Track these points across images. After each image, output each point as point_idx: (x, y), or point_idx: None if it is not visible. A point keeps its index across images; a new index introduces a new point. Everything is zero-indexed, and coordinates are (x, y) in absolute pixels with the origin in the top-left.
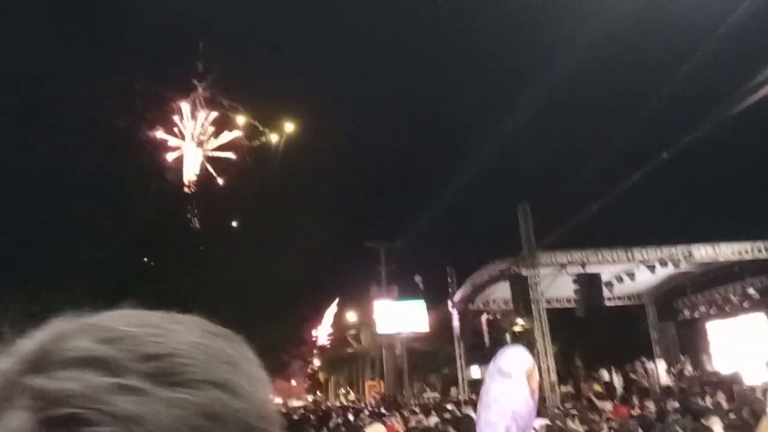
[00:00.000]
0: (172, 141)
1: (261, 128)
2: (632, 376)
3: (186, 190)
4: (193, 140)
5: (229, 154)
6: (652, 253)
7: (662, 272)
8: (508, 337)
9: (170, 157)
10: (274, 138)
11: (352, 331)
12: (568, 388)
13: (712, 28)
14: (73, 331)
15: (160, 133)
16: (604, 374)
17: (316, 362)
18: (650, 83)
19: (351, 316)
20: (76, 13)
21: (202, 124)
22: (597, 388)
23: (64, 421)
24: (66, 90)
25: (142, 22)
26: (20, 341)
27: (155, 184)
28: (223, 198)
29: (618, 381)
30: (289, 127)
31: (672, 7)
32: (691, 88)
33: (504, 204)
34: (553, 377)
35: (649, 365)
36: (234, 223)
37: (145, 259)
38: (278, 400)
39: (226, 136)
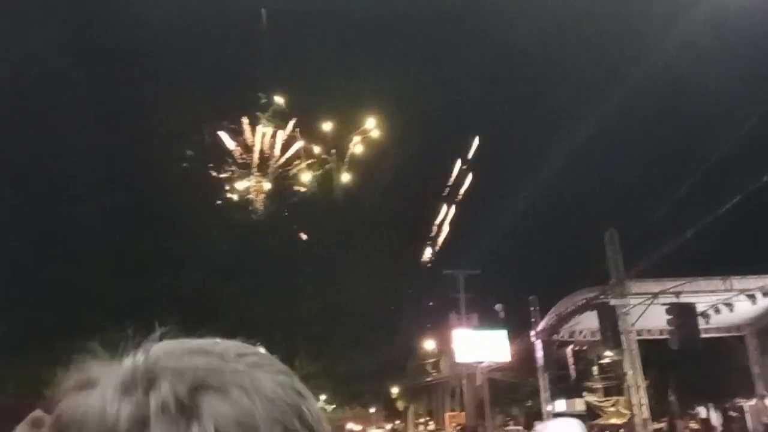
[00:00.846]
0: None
1: (328, 156)
2: (732, 413)
3: (259, 218)
4: (268, 172)
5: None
6: (752, 282)
7: (764, 302)
8: (595, 369)
9: (241, 186)
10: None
11: (432, 359)
12: (661, 426)
13: None
14: (173, 342)
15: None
16: (701, 411)
17: (395, 390)
18: (750, 98)
19: (429, 344)
20: (150, 51)
21: (272, 150)
22: (693, 425)
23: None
24: (146, 128)
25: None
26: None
27: (231, 214)
28: (296, 226)
29: (716, 418)
30: (362, 149)
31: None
32: None
33: (589, 230)
34: (646, 413)
35: (750, 402)
36: (307, 242)
37: (223, 287)
38: (357, 428)
39: (292, 155)
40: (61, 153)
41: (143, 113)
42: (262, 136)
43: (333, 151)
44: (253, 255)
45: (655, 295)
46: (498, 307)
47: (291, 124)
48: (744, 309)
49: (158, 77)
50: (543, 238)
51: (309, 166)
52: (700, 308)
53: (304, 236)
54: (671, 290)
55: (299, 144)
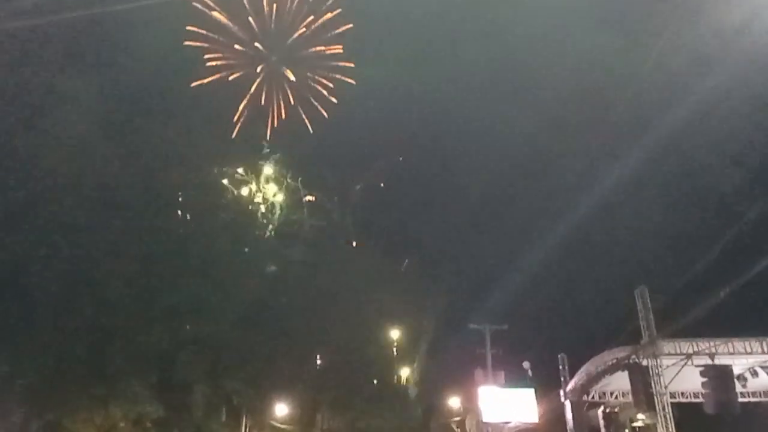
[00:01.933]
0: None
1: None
2: None
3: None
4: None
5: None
6: None
7: None
8: None
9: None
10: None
11: (457, 418)
12: None
13: None
14: None
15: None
16: None
17: None
18: None
19: (454, 402)
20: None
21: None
22: None
23: None
24: (179, 176)
25: None
26: None
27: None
28: (320, 280)
29: None
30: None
31: None
32: None
33: (620, 287)
34: None
35: None
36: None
37: (249, 336)
38: None
39: None
40: (96, 200)
41: (176, 161)
42: None
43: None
44: (279, 305)
45: (689, 356)
46: (526, 364)
47: None
48: None
49: (188, 127)
50: (572, 294)
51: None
52: (736, 371)
53: (330, 285)
54: (705, 351)
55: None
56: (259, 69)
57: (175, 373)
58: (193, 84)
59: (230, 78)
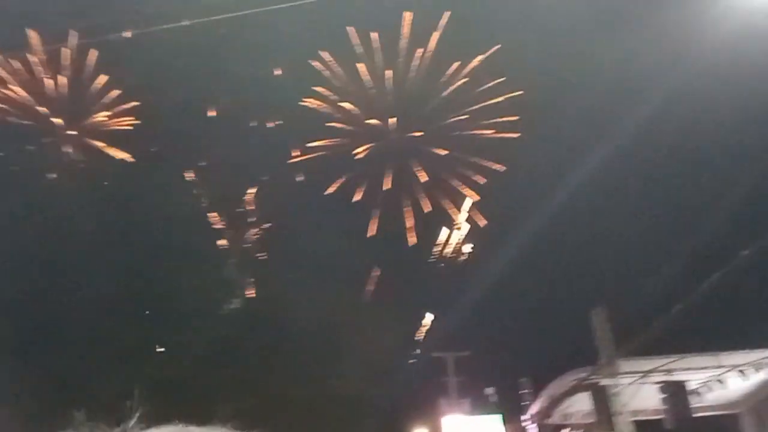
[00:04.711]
0: None
1: None
2: None
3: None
4: None
5: None
6: (742, 357)
7: (756, 378)
8: None
9: None
10: None
11: None
12: None
13: None
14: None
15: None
16: None
17: None
18: (734, 175)
19: None
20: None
21: None
22: None
23: None
24: (140, 215)
25: None
26: None
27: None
28: (283, 311)
29: None
30: None
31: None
32: None
33: (578, 308)
34: None
35: None
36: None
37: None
38: None
39: None
40: (51, 240)
41: (139, 204)
42: None
43: None
44: (240, 344)
45: (646, 374)
46: (489, 390)
47: None
48: (737, 386)
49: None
50: (531, 316)
51: None
52: (692, 386)
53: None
54: (662, 368)
55: None
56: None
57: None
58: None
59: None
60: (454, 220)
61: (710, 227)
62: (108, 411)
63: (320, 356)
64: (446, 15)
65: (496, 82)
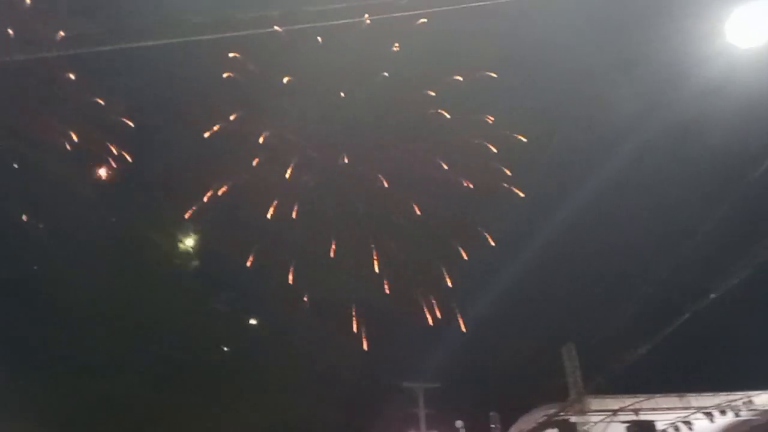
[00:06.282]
0: None
1: None
2: None
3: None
4: None
5: None
6: (709, 400)
7: (722, 421)
8: None
9: None
10: None
11: None
12: None
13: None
14: None
15: None
16: None
17: None
18: (700, 214)
19: None
20: None
21: None
22: None
23: None
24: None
25: None
26: None
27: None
28: (248, 335)
29: None
30: None
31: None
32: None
33: (549, 343)
34: None
35: None
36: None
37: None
38: None
39: None
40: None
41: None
42: None
43: None
44: (201, 364)
45: (615, 413)
46: (458, 423)
47: None
48: (703, 427)
49: None
50: (502, 350)
51: None
52: (659, 426)
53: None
54: (630, 407)
55: None
56: None
57: None
58: None
59: None
60: None
61: (683, 269)
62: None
63: (285, 384)
64: None
65: None
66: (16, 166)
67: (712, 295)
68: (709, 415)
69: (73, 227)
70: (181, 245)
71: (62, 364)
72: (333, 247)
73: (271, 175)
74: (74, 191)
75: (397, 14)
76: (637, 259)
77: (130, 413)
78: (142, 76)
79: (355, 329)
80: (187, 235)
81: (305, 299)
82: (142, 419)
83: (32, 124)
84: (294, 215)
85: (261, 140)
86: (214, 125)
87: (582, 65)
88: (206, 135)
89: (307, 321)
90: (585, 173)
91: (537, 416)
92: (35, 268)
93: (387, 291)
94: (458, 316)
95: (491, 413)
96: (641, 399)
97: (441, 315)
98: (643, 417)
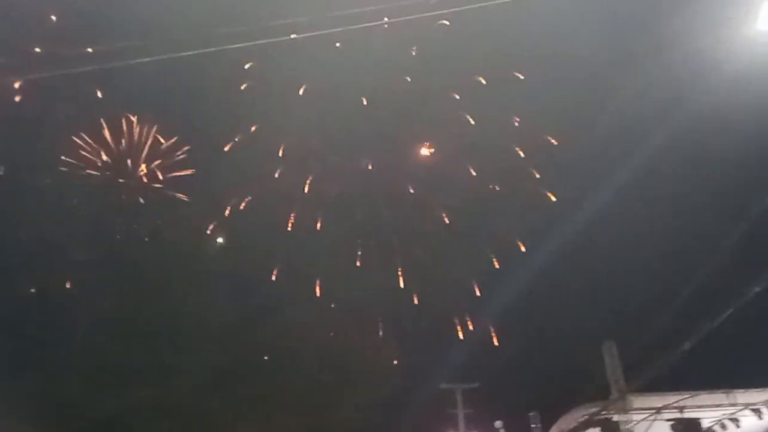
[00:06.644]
0: None
1: None
2: None
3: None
4: None
5: None
6: (756, 396)
7: None
8: None
9: None
10: None
11: None
12: None
13: None
14: None
15: None
16: None
17: None
18: (742, 205)
19: None
20: None
21: None
22: None
23: None
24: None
25: None
26: None
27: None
28: (287, 339)
29: None
30: None
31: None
32: None
33: (589, 342)
34: None
35: None
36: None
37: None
38: None
39: None
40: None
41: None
42: None
43: None
44: (241, 369)
45: (659, 410)
46: (498, 424)
47: None
48: (751, 424)
49: None
50: (541, 349)
51: None
52: (705, 424)
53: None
54: (674, 405)
55: None
56: None
57: None
58: None
59: None
60: None
61: (725, 262)
62: None
63: (324, 385)
64: None
65: None
66: (48, 181)
67: (756, 289)
68: (756, 411)
69: (106, 242)
70: (213, 255)
71: (101, 370)
72: (359, 256)
73: (293, 186)
74: (105, 206)
75: (415, 15)
76: (678, 254)
77: (170, 419)
78: (165, 89)
79: (383, 334)
80: (219, 245)
81: (332, 306)
82: (181, 425)
83: (64, 140)
84: (318, 226)
85: (280, 152)
86: (235, 137)
87: (608, 57)
88: (226, 149)
89: (339, 329)
90: (617, 169)
91: (578, 415)
92: (79, 279)
93: (416, 302)
94: (491, 329)
95: (531, 413)
96: (686, 396)
97: (473, 327)
98: (687, 414)
